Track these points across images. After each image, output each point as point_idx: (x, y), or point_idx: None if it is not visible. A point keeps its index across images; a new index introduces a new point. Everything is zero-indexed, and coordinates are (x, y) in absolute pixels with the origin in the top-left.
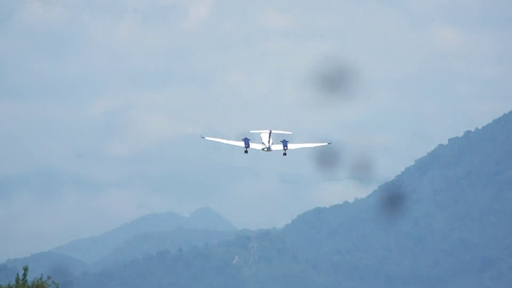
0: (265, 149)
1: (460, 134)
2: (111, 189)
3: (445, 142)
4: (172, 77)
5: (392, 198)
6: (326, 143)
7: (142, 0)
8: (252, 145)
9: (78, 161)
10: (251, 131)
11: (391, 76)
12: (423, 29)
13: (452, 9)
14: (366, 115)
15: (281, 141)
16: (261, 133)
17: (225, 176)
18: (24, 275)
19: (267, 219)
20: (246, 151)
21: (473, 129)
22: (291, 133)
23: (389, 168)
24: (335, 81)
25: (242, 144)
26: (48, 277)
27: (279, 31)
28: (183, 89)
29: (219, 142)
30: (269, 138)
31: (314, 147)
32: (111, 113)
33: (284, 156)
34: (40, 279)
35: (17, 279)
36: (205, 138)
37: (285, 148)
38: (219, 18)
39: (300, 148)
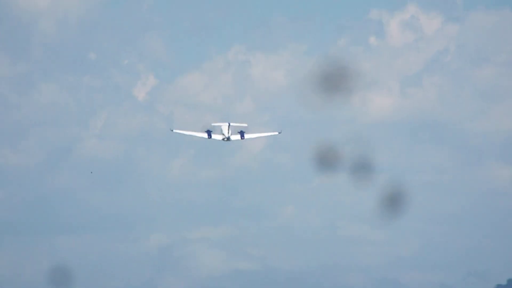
0: (225, 139)
1: None
2: None
3: (504, 283)
4: (226, 212)
5: None
6: (277, 132)
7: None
8: (213, 136)
9: None
10: (212, 124)
11: (445, 212)
12: (477, 165)
13: (506, 146)
14: (419, 251)
15: (238, 132)
16: (221, 125)
17: None
18: None
19: None
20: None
21: None
22: (246, 125)
23: None
24: (389, 209)
25: (206, 135)
26: None
27: None
28: (237, 224)
29: (186, 134)
30: (228, 129)
31: (267, 136)
32: (165, 248)
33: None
34: None
35: None
36: (174, 131)
37: (242, 138)
38: (273, 152)
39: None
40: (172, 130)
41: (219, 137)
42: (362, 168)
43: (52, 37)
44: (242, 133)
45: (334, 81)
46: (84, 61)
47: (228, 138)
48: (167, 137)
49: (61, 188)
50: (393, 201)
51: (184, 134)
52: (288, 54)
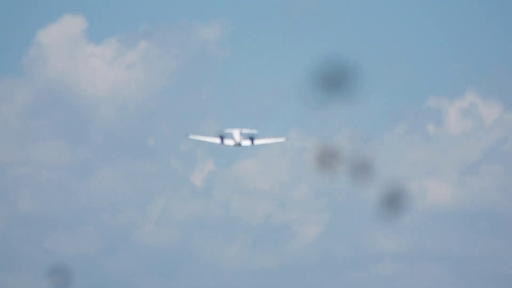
0: (236, 144)
1: None
2: None
3: None
4: None
5: None
6: (284, 139)
7: (254, 221)
8: (226, 141)
9: None
10: (225, 131)
11: None
12: None
13: None
14: None
15: (248, 137)
16: (233, 132)
17: None
18: None
19: None
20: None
21: None
22: (256, 132)
23: None
24: None
25: (219, 140)
26: None
27: (390, 254)
28: None
29: (201, 140)
30: (239, 135)
31: (272, 142)
32: None
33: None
34: None
35: None
36: (190, 137)
37: (252, 143)
38: (328, 239)
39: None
40: (188, 136)
41: (231, 142)
42: (420, 260)
43: (111, 124)
44: (252, 139)
45: (390, 169)
46: (143, 147)
47: (239, 144)
48: (223, 223)
49: (118, 274)
50: None
51: (199, 140)
52: (343, 139)
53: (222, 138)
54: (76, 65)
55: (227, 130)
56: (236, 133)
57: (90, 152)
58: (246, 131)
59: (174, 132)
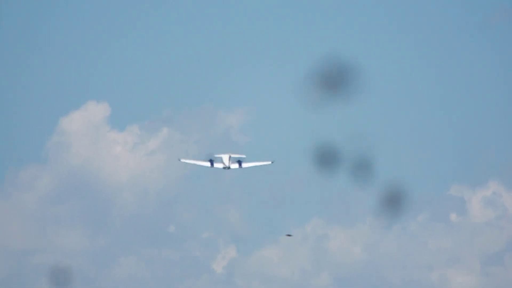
0: (225, 167)
1: None
2: None
3: None
4: None
5: None
6: (270, 162)
7: None
8: (215, 164)
9: None
10: (215, 155)
11: None
12: None
13: None
14: None
15: (236, 161)
16: (222, 156)
17: None
18: None
19: None
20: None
21: None
22: (245, 156)
23: None
24: None
25: (209, 164)
26: None
27: None
28: None
29: (192, 164)
30: (229, 160)
31: (260, 165)
32: None
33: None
34: None
35: None
36: (181, 160)
37: (240, 166)
38: None
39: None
40: (179, 160)
41: (220, 165)
42: None
43: (132, 210)
44: (240, 163)
45: (413, 257)
46: (163, 234)
47: (228, 167)
48: None
49: None
50: None
51: (190, 163)
52: (366, 228)
53: (212, 161)
54: (98, 152)
55: (217, 155)
56: (225, 157)
57: (110, 238)
58: (234, 155)
59: (195, 219)
